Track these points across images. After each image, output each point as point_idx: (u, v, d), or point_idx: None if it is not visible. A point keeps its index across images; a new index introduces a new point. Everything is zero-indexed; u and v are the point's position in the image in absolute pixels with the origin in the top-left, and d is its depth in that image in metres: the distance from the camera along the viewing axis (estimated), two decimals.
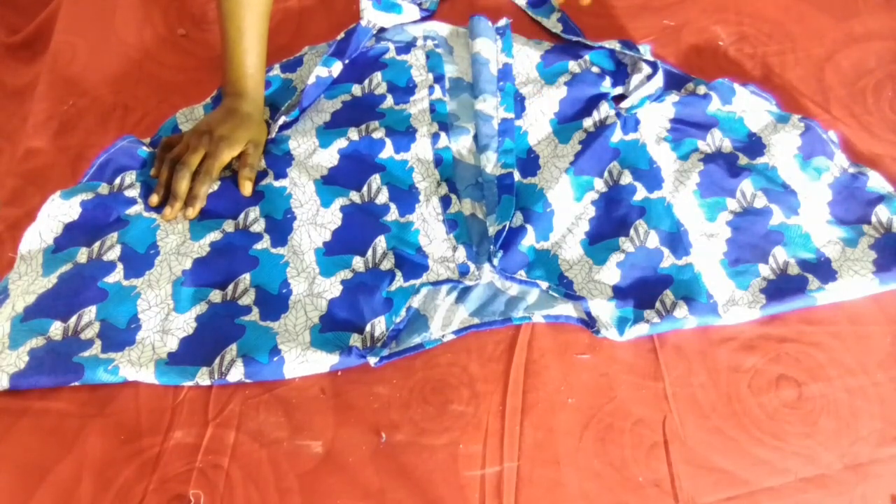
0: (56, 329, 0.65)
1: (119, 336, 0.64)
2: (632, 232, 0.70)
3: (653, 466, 0.58)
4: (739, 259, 0.68)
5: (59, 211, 0.72)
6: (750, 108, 0.79)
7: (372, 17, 0.88)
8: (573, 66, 0.84)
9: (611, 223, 0.72)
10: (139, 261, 0.69)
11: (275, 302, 0.67)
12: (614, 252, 0.69)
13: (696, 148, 0.77)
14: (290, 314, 0.66)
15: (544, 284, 0.67)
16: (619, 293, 0.66)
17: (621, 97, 0.82)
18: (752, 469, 0.58)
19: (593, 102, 0.80)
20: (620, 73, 0.84)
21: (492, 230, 0.70)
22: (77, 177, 0.76)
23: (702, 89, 0.80)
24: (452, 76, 0.86)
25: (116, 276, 0.68)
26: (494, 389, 0.62)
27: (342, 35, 0.87)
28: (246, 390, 0.63)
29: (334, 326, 0.65)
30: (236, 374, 0.62)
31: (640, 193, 0.73)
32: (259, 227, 0.72)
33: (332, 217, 0.72)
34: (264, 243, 0.71)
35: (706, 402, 0.61)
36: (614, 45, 0.85)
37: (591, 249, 0.70)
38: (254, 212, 0.73)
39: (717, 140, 0.77)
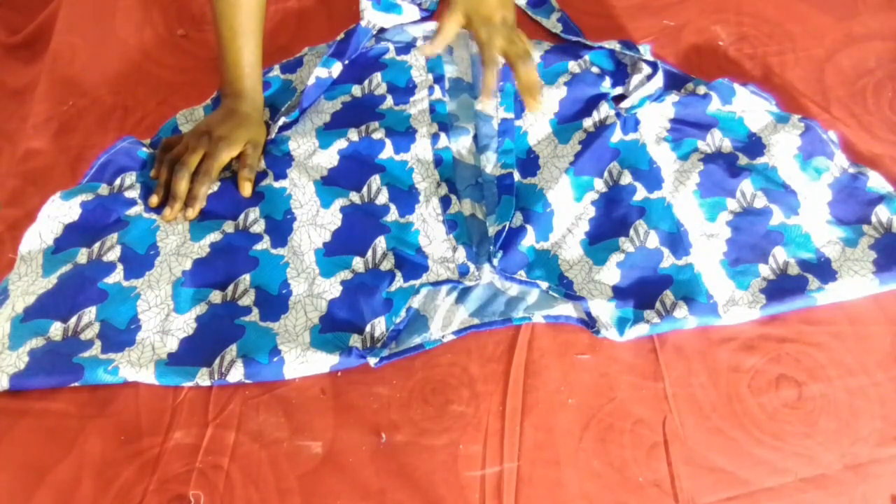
0: (56, 329, 0.65)
1: (119, 336, 0.64)
2: (632, 232, 0.70)
3: (653, 466, 0.58)
4: (739, 259, 0.68)
5: (59, 212, 0.72)
6: (750, 108, 0.79)
7: (372, 17, 0.88)
8: (573, 66, 0.84)
9: (611, 223, 0.72)
10: (139, 261, 0.69)
11: (275, 302, 0.67)
12: (614, 252, 0.69)
13: (696, 148, 0.77)
14: (289, 315, 0.66)
15: (544, 285, 0.67)
16: (619, 293, 0.66)
17: (621, 97, 0.81)
18: (752, 469, 0.58)
19: (593, 102, 0.80)
20: (620, 73, 0.84)
21: (492, 230, 0.70)
22: (77, 177, 0.76)
23: (702, 89, 0.80)
24: (452, 76, 0.86)
25: (116, 276, 0.68)
26: (494, 390, 0.62)
27: (342, 36, 0.87)
28: (246, 391, 0.63)
29: (334, 327, 0.65)
30: (236, 374, 0.62)
31: (640, 193, 0.73)
32: (259, 227, 0.72)
33: (332, 218, 0.72)
34: (264, 244, 0.71)
35: (706, 403, 0.61)
36: (614, 45, 0.85)
37: (590, 249, 0.70)
38: (254, 212, 0.73)
39: (717, 140, 0.77)
